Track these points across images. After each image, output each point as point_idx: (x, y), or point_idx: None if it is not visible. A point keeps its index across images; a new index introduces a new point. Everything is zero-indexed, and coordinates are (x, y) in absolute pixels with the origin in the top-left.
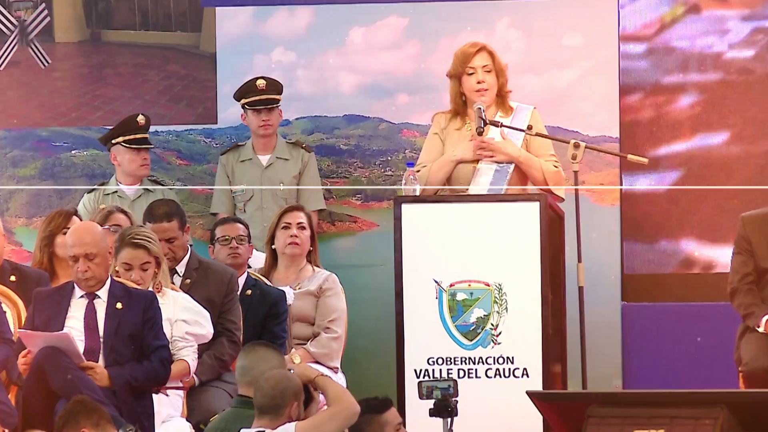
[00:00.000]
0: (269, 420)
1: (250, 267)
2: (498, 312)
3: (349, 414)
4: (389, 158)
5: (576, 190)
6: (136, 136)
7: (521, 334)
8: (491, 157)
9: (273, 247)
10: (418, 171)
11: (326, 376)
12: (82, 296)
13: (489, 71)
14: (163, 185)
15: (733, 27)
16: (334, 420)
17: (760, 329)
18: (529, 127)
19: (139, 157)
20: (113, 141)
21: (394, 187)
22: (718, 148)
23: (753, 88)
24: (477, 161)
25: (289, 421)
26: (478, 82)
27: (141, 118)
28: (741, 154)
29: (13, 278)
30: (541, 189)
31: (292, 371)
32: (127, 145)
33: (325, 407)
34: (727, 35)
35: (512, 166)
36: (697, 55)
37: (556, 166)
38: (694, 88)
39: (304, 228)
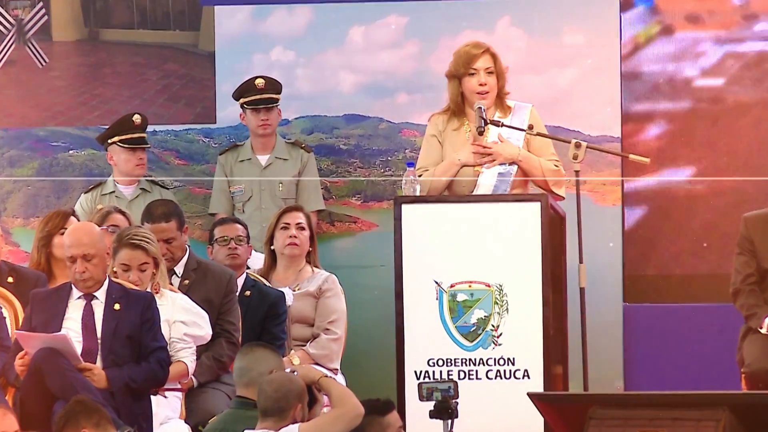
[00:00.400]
0: (273, 422)
1: (248, 268)
2: (499, 313)
3: (353, 416)
4: (389, 158)
5: (577, 191)
6: (132, 136)
7: (522, 335)
8: (492, 161)
9: (272, 247)
10: (420, 176)
11: (330, 377)
12: (79, 297)
13: (491, 73)
14: (161, 185)
15: (706, 50)
16: (338, 422)
17: (763, 330)
18: (530, 127)
19: (135, 157)
20: (109, 141)
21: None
22: (684, 182)
23: (722, 118)
24: (480, 165)
25: (293, 423)
26: (480, 84)
27: (137, 118)
28: (707, 190)
29: (10, 279)
30: (539, 184)
31: (296, 373)
32: (123, 145)
33: (327, 408)
34: (699, 59)
35: (515, 168)
36: (667, 82)
37: (556, 166)
38: (662, 117)
39: (303, 228)
